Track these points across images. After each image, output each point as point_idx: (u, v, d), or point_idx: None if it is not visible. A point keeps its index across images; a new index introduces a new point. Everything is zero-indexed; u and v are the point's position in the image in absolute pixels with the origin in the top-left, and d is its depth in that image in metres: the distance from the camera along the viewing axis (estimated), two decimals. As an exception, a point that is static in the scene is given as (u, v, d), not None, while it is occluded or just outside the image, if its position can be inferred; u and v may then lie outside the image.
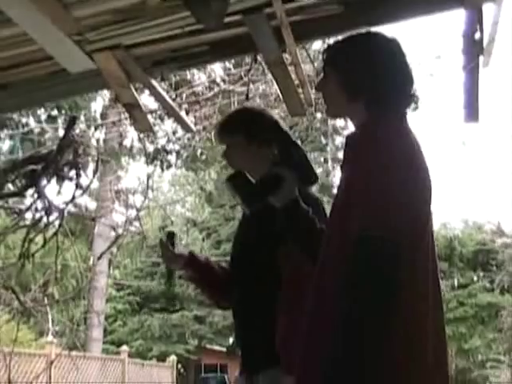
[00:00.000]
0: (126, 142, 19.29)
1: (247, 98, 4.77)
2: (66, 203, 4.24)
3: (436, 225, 28.31)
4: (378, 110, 2.21)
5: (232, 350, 28.09)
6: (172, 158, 20.51)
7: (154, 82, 4.07)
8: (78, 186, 4.14)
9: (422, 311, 2.01)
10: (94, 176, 4.05)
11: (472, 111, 4.11)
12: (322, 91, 2.41)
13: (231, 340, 28.95)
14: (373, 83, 2.22)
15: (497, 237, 27.37)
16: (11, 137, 12.28)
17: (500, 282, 25.83)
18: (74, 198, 4.21)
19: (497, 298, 25.16)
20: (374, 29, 3.97)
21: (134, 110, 4.17)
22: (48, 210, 4.23)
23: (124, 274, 28.82)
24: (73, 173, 4.18)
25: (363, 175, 2.04)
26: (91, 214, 12.06)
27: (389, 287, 1.88)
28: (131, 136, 19.61)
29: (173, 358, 21.72)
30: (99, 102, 19.97)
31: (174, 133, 16.97)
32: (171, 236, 3.28)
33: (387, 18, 3.80)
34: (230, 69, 5.36)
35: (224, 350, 30.53)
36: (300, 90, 4.28)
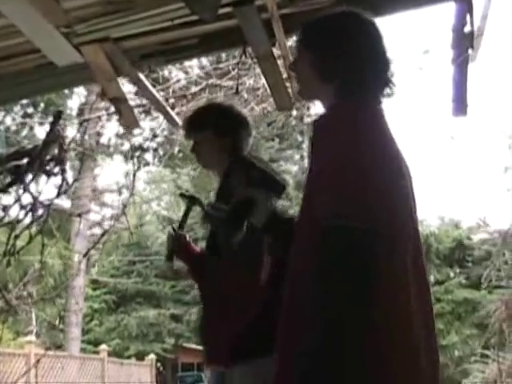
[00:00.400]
0: (103, 140, 19.22)
1: (237, 91, 4.73)
2: (52, 199, 4.17)
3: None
4: (351, 92, 2.09)
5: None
6: (149, 155, 20.45)
7: (142, 76, 4.02)
8: (63, 181, 4.07)
9: (402, 301, 1.93)
10: (79, 172, 4.01)
11: (460, 105, 4.10)
12: (295, 71, 2.32)
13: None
14: (346, 64, 2.11)
15: (473, 233, 27.58)
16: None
17: (476, 278, 26.05)
18: (59, 193, 4.14)
19: (473, 293, 25.34)
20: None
21: (120, 104, 4.11)
22: (34, 207, 4.16)
23: (100, 273, 28.69)
24: (58, 168, 4.11)
25: (331, 160, 1.94)
26: (68, 212, 11.95)
27: (357, 275, 1.81)
28: (108, 134, 19.52)
29: (152, 356, 21.64)
30: (75, 99, 19.89)
31: (152, 130, 16.93)
32: (193, 200, 3.31)
33: (379, 10, 3.76)
34: (219, 62, 5.33)
35: (201, 348, 30.43)
36: (288, 84, 4.25)
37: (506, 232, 9.12)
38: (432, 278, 27.20)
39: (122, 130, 18.16)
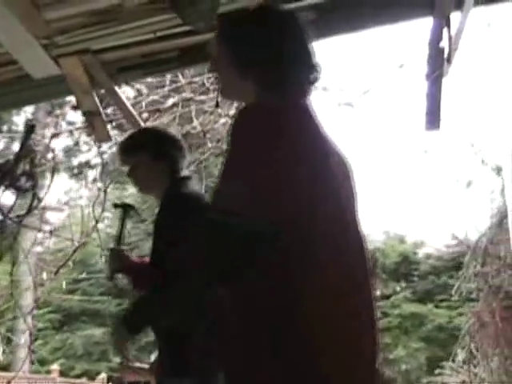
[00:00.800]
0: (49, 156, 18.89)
1: (217, 105, 4.67)
2: (22, 215, 4.05)
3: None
4: (271, 88, 2.00)
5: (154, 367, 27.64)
6: (94, 172, 20.18)
7: (117, 89, 3.95)
8: (35, 197, 3.96)
9: (290, 298, 1.81)
10: (49, 187, 3.92)
11: (434, 119, 4.14)
12: (215, 69, 2.20)
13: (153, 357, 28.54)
14: (263, 58, 2.02)
15: (419, 248, 27.97)
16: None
17: (422, 293, 26.38)
18: (30, 209, 4.02)
19: (420, 308, 25.61)
20: (345, 35, 4.03)
21: (94, 118, 4.02)
22: (2, 223, 4.04)
23: (44, 292, 28.13)
24: (29, 183, 4.00)
25: (244, 160, 1.85)
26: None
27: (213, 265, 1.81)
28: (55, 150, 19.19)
29: (103, 375, 21.28)
30: (22, 116, 19.65)
31: (99, 146, 16.71)
32: (128, 208, 3.26)
33: (360, 25, 3.80)
34: (194, 76, 5.29)
35: (147, 366, 30.09)
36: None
37: (476, 243, 9.25)
38: (378, 293, 27.46)
39: (69, 146, 17.92)
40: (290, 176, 1.84)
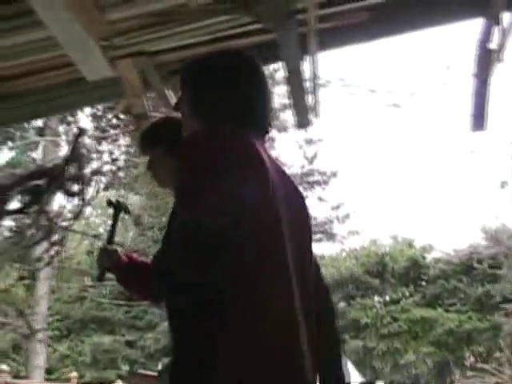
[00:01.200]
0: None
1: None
2: (71, 219, 4.04)
3: (366, 241, 28.76)
4: (219, 123, 2.13)
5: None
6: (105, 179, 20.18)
7: (168, 92, 3.94)
8: (84, 201, 3.94)
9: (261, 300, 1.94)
10: (97, 191, 3.91)
11: (480, 120, 4.13)
12: (177, 110, 2.35)
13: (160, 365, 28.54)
14: (213, 98, 2.17)
15: (427, 252, 27.92)
16: (11, 149, 11.77)
17: (431, 297, 26.33)
18: (79, 214, 4.01)
19: (429, 312, 25.55)
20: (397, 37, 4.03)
21: (142, 121, 4.01)
22: (50, 228, 4.02)
23: (53, 300, 28.10)
24: (77, 187, 3.98)
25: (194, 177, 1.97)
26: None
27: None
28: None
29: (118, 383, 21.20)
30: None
31: (111, 153, 16.75)
32: (119, 206, 3.20)
33: (411, 26, 3.80)
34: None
35: (155, 374, 30.03)
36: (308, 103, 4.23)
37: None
38: (388, 298, 27.40)
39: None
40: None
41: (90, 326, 30.32)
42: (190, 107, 2.21)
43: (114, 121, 15.10)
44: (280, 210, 2.02)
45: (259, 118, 2.22)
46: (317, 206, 23.35)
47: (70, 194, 3.94)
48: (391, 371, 24.91)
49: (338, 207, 24.27)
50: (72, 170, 3.96)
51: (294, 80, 3.92)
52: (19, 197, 3.84)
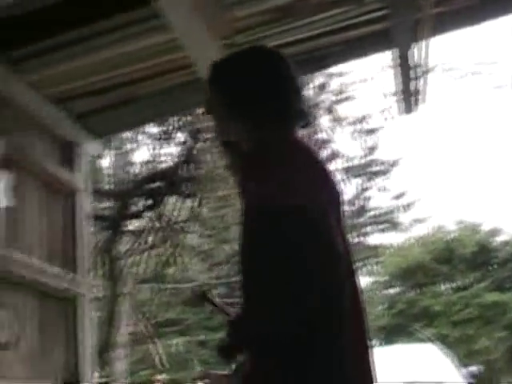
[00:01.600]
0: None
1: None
2: (186, 221, 4.09)
3: (432, 228, 28.44)
4: (261, 128, 2.05)
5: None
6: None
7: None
8: (200, 202, 3.99)
9: None
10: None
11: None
12: (210, 113, 2.27)
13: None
14: (252, 101, 2.08)
15: (495, 236, 27.50)
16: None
17: (501, 281, 25.96)
18: (197, 215, 4.06)
19: (500, 296, 25.19)
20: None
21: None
22: (167, 229, 4.09)
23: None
24: (192, 189, 4.04)
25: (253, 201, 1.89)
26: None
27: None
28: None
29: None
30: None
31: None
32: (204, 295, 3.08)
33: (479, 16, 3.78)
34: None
35: (228, 373, 30.12)
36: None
37: None
38: (457, 284, 27.09)
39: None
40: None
41: (164, 329, 30.54)
42: (226, 109, 2.12)
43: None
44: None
45: (296, 110, 2.14)
46: (380, 196, 23.12)
47: (185, 195, 3.99)
48: (465, 358, 24.58)
49: (401, 195, 24.06)
50: (185, 171, 4.02)
51: (404, 66, 3.94)
52: (140, 200, 3.92)
